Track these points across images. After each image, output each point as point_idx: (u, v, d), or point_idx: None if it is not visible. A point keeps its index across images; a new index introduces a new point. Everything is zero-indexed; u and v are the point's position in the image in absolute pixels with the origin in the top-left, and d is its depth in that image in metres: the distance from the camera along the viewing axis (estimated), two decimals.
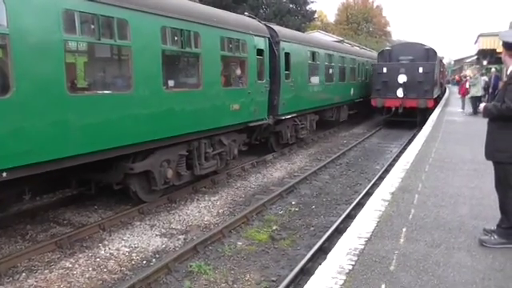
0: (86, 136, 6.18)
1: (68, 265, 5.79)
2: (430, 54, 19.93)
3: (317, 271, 3.80)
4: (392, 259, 4.00)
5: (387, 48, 22.33)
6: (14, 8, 5.13)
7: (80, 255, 6.09)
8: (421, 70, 18.99)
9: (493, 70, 23.05)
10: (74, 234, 6.61)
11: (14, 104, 5.20)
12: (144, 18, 7.08)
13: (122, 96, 7.02)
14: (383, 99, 19.36)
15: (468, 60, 45.07)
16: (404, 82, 18.96)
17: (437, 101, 22.27)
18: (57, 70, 5.71)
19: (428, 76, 18.96)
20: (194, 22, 8.28)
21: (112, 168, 7.37)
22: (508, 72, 4.19)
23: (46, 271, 5.60)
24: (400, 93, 19.05)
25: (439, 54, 24.28)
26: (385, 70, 19.54)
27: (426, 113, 18.67)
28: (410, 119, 19.37)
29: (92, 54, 7.89)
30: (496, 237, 4.35)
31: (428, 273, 3.73)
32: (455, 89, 35.86)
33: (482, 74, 21.47)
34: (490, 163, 4.50)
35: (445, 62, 44.15)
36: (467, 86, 19.82)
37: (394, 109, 19.28)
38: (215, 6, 10.81)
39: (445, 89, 37.36)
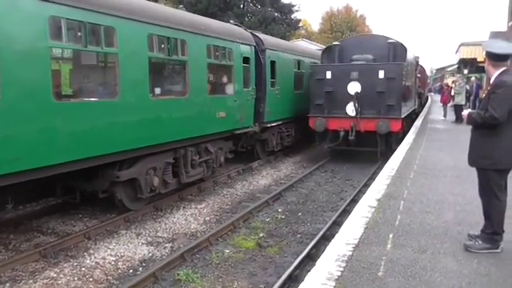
0: (72, 143, 6.13)
1: (53, 274, 5.69)
2: (396, 52, 13.54)
3: (306, 278, 3.81)
4: (380, 265, 4.05)
5: (335, 43, 15.31)
6: None
7: (65, 265, 5.99)
8: (381, 74, 12.53)
9: (473, 78, 23.60)
10: (58, 243, 6.50)
11: None
12: (131, 26, 7.08)
13: (109, 103, 6.98)
14: (326, 119, 13.10)
15: (449, 69, 45.95)
16: (357, 93, 12.65)
17: (407, 121, 15.52)
18: (43, 76, 5.67)
19: (393, 84, 12.55)
20: (180, 29, 8.30)
21: (98, 176, 7.30)
22: (491, 81, 4.31)
23: (31, 281, 5.49)
24: (351, 110, 12.79)
25: (415, 54, 18.80)
26: (329, 74, 13.17)
27: (391, 139, 12.92)
28: (367, 149, 13.25)
29: (78, 61, 7.83)
30: (480, 242, 4.43)
31: (416, 278, 3.79)
32: (437, 97, 36.11)
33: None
34: (472, 170, 4.61)
35: (426, 69, 42.15)
36: (452, 93, 20.10)
37: (342, 133, 12.86)
38: (201, 14, 10.87)
39: (426, 98, 36.33)
